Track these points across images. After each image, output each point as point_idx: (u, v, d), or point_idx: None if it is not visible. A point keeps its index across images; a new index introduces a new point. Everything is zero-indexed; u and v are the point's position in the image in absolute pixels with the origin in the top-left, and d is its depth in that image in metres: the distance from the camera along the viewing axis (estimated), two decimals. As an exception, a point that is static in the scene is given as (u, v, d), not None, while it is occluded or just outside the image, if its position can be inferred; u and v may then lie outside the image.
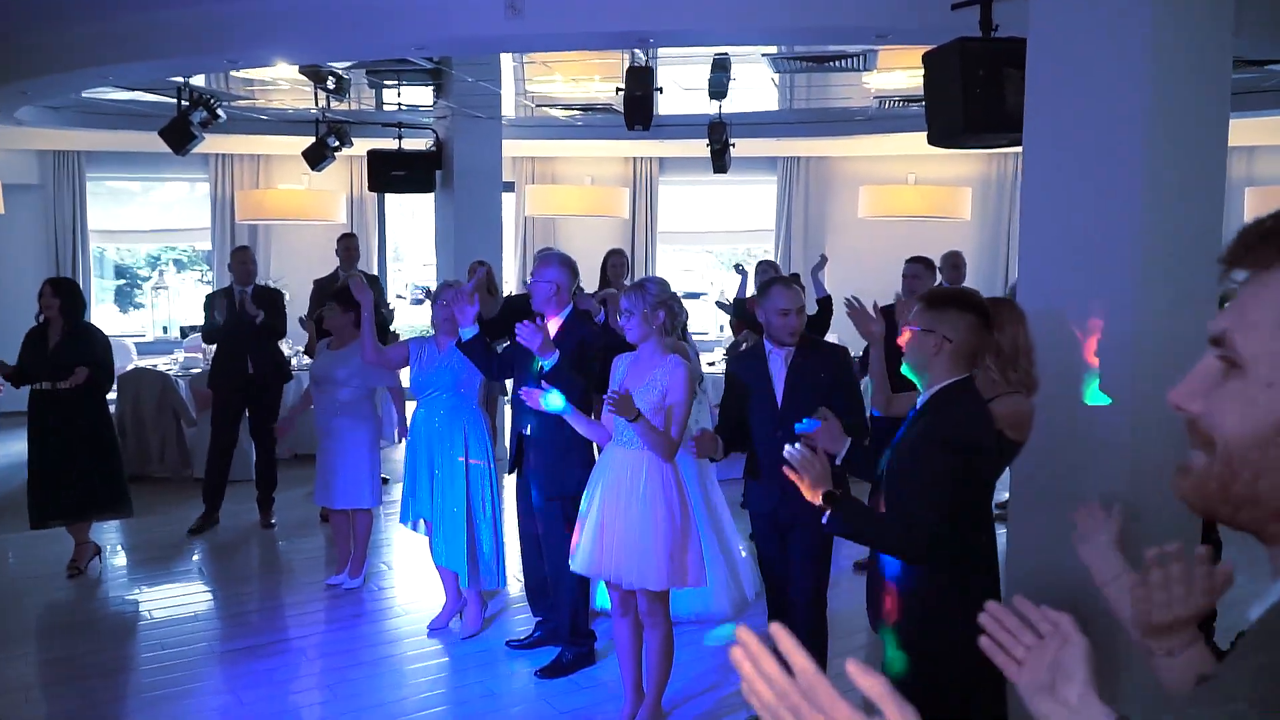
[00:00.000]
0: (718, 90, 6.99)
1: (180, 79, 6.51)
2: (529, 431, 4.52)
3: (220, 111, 6.69)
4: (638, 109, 5.82)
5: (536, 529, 4.71)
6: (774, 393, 3.80)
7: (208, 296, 6.91)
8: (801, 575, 3.83)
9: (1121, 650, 3.45)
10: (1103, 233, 3.33)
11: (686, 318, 3.94)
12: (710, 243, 11.96)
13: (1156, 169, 3.25)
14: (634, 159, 11.00)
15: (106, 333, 5.99)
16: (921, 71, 7.97)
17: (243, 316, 6.49)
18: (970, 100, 3.62)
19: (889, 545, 2.65)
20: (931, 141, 3.98)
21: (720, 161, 8.11)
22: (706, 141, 8.09)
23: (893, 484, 2.74)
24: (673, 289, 3.89)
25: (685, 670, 4.37)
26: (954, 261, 6.73)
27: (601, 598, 5.05)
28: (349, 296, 5.60)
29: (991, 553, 2.85)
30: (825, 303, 6.20)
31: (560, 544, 4.50)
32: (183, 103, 6.65)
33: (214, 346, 6.90)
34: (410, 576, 5.98)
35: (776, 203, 10.98)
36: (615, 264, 6.58)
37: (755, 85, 9.54)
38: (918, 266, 5.61)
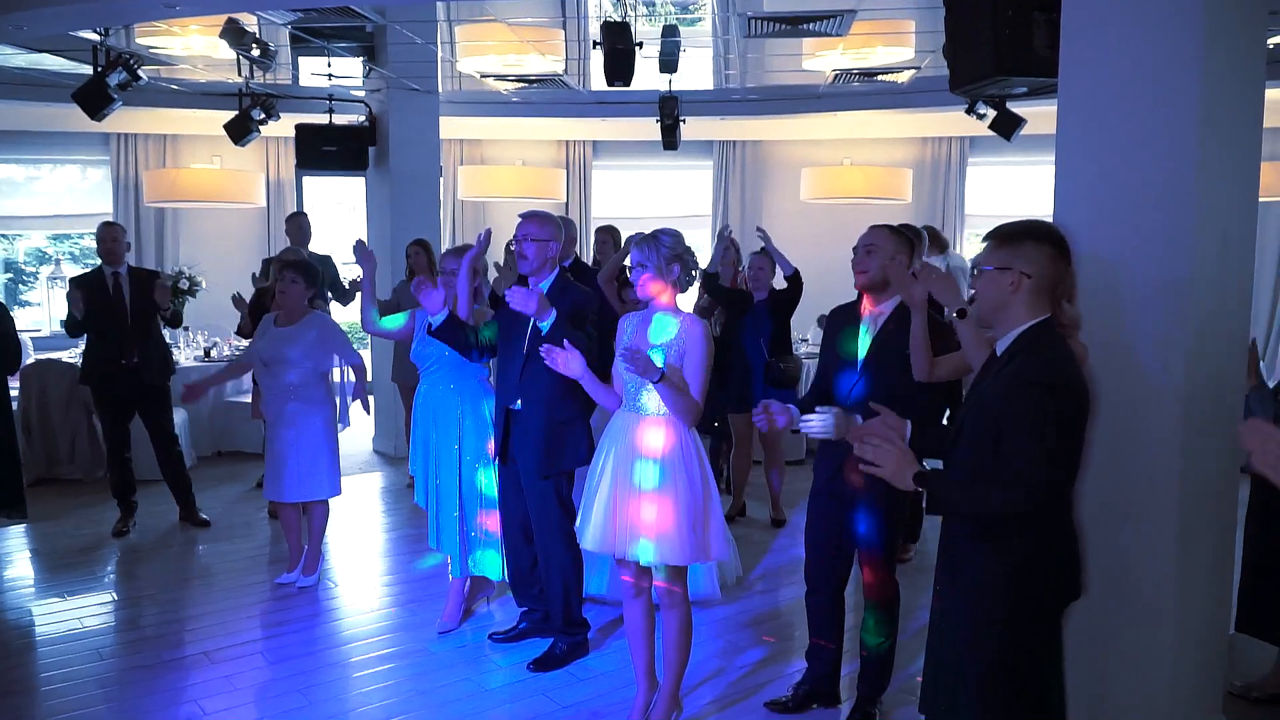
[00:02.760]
0: (669, 59, 6.71)
1: (97, 37, 5.92)
2: (516, 406, 4.18)
3: (141, 73, 6.11)
4: (619, 64, 5.51)
5: (519, 513, 4.38)
6: (857, 357, 3.55)
7: (73, 280, 6.03)
8: (868, 555, 3.61)
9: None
10: (1155, 180, 3.19)
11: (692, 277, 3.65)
12: (646, 228, 11.69)
13: (1213, 114, 3.14)
14: (567, 142, 10.67)
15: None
16: (861, 51, 8.00)
17: (118, 304, 5.79)
18: (1001, 40, 3.45)
19: (994, 509, 2.41)
20: (954, 88, 3.81)
21: (671, 138, 7.86)
22: (656, 118, 7.82)
23: (974, 442, 2.50)
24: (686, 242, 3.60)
25: (686, 656, 4.10)
26: (931, 235, 6.63)
27: (593, 584, 4.75)
28: (306, 267, 5.16)
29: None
30: (795, 279, 6.01)
31: (552, 527, 4.20)
32: (99, 64, 6.05)
33: (84, 339, 6.07)
34: (366, 572, 5.55)
35: (713, 187, 10.79)
36: (603, 241, 6.29)
37: (693, 64, 9.34)
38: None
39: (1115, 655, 3.34)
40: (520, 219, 4.16)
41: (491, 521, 4.57)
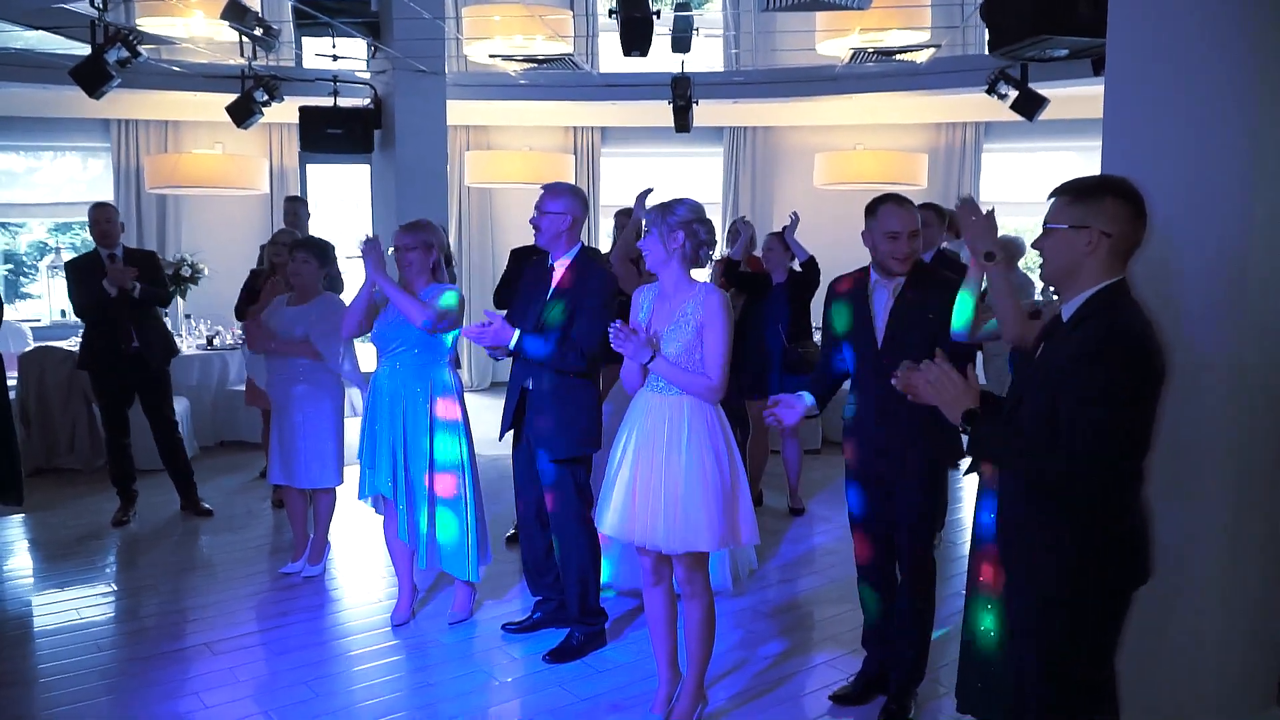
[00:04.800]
0: (682, 36, 6.53)
1: (95, 11, 5.74)
2: (530, 385, 4.01)
3: (140, 49, 5.94)
4: (636, 33, 5.32)
5: (534, 497, 4.21)
6: (874, 333, 3.37)
7: (68, 264, 5.88)
8: (907, 538, 3.43)
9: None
10: (1209, 147, 3.02)
11: (709, 251, 3.44)
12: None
13: (1272, 77, 2.96)
14: (575, 128, 10.48)
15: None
16: (873, 35, 7.80)
17: (116, 286, 5.59)
18: (1043, -1, 3.28)
19: (1041, 462, 2.23)
20: (992, 49, 3.65)
21: (683, 120, 7.67)
22: (668, 100, 7.64)
23: (1037, 413, 2.32)
24: (705, 214, 3.40)
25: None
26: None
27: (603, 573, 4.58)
28: (318, 246, 5.00)
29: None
30: (810, 265, 5.85)
31: (568, 512, 4.04)
32: (96, 40, 5.88)
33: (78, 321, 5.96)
34: (376, 560, 5.38)
35: (723, 174, 10.60)
36: (623, 225, 6.10)
37: (705, 47, 9.16)
38: (929, 214, 5.24)
39: (1162, 643, 3.17)
40: (542, 190, 4.00)
41: (458, 517, 4.29)
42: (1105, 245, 2.25)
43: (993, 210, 3.06)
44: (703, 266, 3.43)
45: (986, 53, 3.80)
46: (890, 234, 3.29)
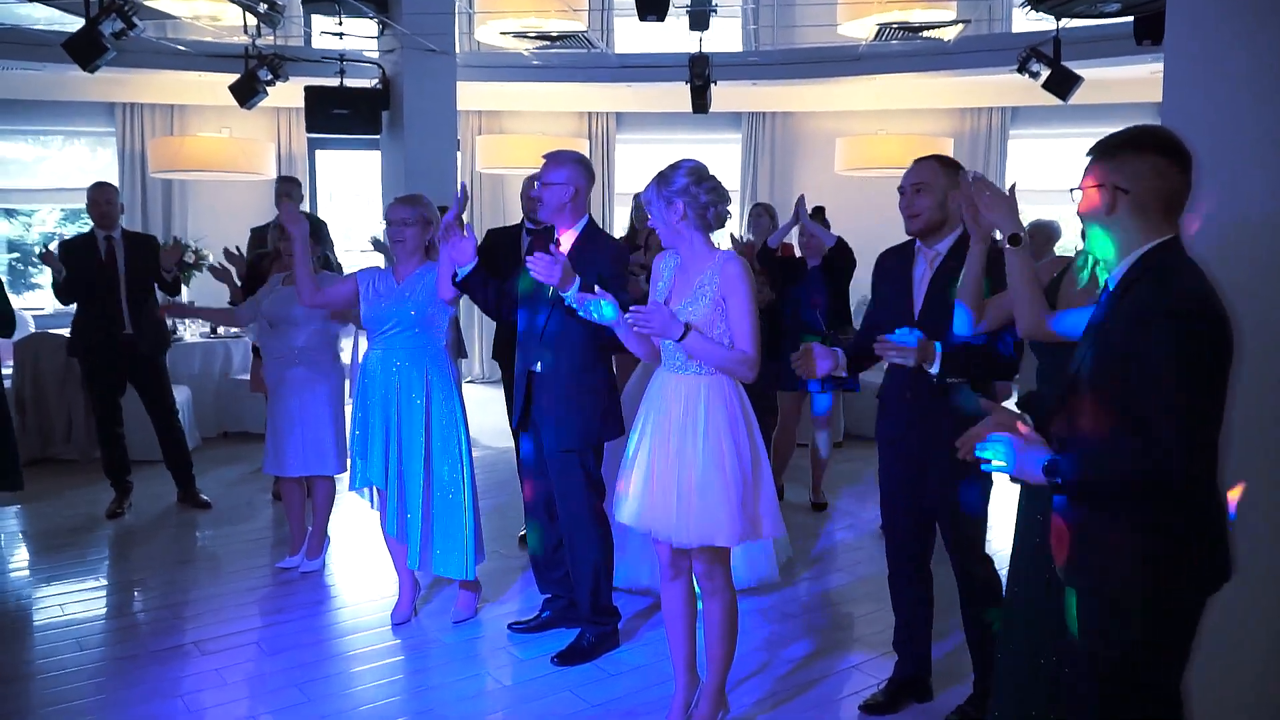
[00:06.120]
0: (699, 10, 6.26)
1: (91, -19, 5.53)
2: (539, 368, 3.75)
3: (137, 21, 5.71)
4: (653, -5, 5.06)
5: (542, 487, 3.94)
6: (912, 300, 3.14)
7: (62, 243, 5.69)
8: (955, 522, 3.15)
9: None
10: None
11: (724, 208, 3.13)
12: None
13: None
14: (589, 114, 10.22)
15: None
16: (905, 10, 7.50)
17: (110, 270, 5.43)
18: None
19: (1124, 475, 1.96)
20: (1036, 3, 3.34)
21: (701, 100, 7.39)
22: (685, 80, 7.35)
23: (1099, 396, 2.04)
24: (710, 173, 3.06)
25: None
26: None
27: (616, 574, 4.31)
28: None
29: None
30: (839, 247, 5.56)
31: (578, 504, 3.77)
32: (90, 12, 5.65)
33: (75, 307, 5.72)
34: (378, 555, 5.12)
35: (741, 161, 10.32)
36: (643, 216, 5.85)
37: (723, 28, 8.88)
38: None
39: (1222, 652, 2.87)
40: (545, 160, 3.74)
41: (454, 512, 4.00)
42: (1125, 202, 2.05)
43: (1014, 186, 2.77)
44: (721, 226, 3.13)
45: (1025, 10, 3.48)
46: (899, 190, 3.16)
